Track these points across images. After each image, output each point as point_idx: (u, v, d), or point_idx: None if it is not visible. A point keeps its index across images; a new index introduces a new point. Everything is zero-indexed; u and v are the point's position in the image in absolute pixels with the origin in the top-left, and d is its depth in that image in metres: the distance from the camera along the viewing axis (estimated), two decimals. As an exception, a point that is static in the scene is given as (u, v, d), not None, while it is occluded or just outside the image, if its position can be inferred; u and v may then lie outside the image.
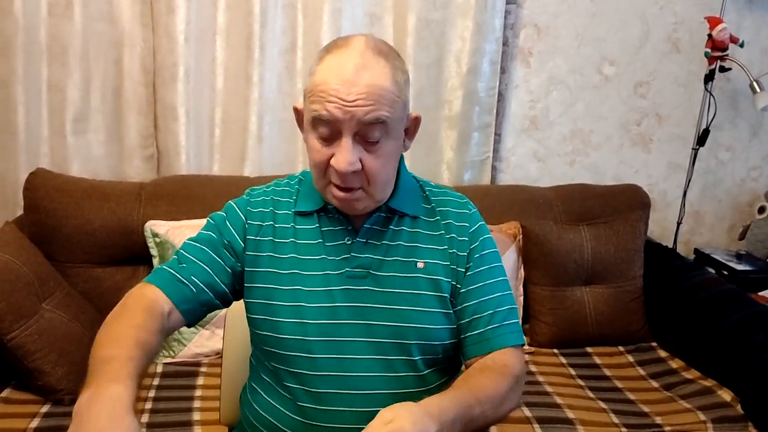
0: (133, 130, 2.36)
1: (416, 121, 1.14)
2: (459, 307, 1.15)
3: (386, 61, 1.04)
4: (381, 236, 1.15)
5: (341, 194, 1.07)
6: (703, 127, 2.56)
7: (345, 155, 1.02)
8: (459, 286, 1.15)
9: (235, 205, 1.20)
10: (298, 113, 1.14)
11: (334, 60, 1.03)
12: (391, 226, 1.16)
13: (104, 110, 2.34)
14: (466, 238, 1.17)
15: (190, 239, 1.19)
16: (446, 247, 1.16)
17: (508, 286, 1.19)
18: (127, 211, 2.11)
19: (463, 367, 1.18)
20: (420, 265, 1.14)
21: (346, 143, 1.03)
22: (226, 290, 1.16)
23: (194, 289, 1.12)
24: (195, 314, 1.15)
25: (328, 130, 1.03)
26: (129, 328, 1.00)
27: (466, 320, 1.15)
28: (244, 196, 1.21)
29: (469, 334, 1.14)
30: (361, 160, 1.04)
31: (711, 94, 2.53)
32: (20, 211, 2.15)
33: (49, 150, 2.30)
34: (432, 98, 2.50)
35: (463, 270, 1.16)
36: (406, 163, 2.61)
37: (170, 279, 1.12)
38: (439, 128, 2.54)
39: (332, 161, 1.04)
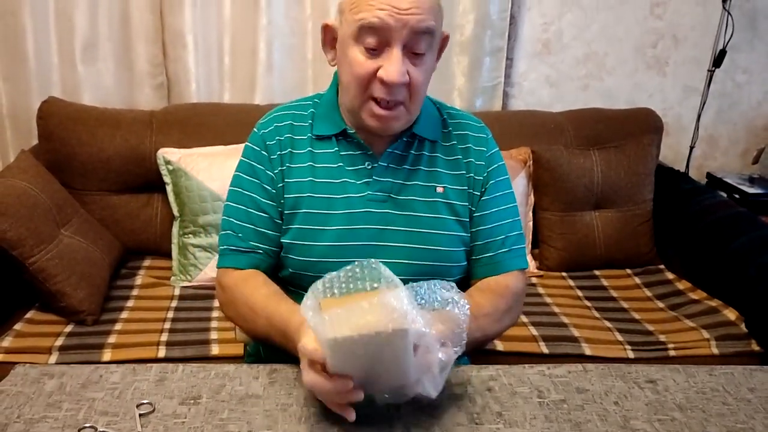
0: (142, 57, 2.36)
1: (445, 40, 1.13)
2: (473, 230, 1.18)
3: None
4: (402, 161, 1.16)
5: (383, 112, 1.07)
6: (720, 48, 2.51)
7: (396, 65, 1.02)
8: (474, 209, 1.18)
9: (253, 146, 1.18)
10: (328, 31, 1.12)
11: None
12: (412, 151, 1.17)
13: (113, 38, 2.34)
14: (483, 163, 1.19)
15: (231, 201, 1.18)
16: (464, 171, 1.18)
17: (517, 213, 1.22)
18: (139, 139, 2.13)
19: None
20: (439, 189, 1.16)
21: (397, 54, 1.02)
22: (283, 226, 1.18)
23: (259, 251, 1.15)
24: (273, 264, 1.18)
25: (376, 39, 1.02)
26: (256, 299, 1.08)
27: (480, 243, 1.18)
28: (256, 132, 1.19)
29: (480, 256, 1.19)
30: (407, 73, 1.04)
31: (729, 13, 2.46)
32: (35, 140, 2.18)
33: (59, 79, 2.32)
34: (443, 23, 2.45)
35: (479, 194, 1.18)
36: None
37: (236, 255, 1.15)
38: (450, 54, 2.50)
39: (381, 73, 1.03)
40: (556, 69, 2.62)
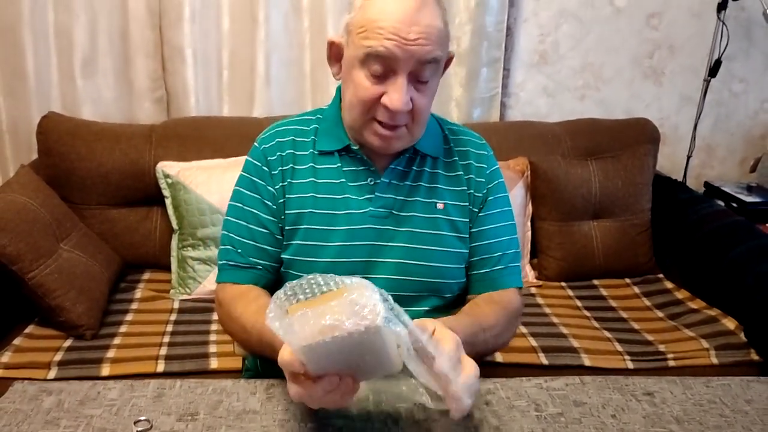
0: (142, 72, 2.37)
1: (449, 60, 1.14)
2: (471, 246, 1.19)
3: (437, 4, 1.04)
4: (404, 177, 1.16)
5: (386, 132, 1.07)
6: (716, 57, 2.52)
7: (400, 94, 1.02)
8: (471, 225, 1.18)
9: (254, 161, 1.18)
10: (334, 47, 1.12)
11: None
12: (414, 167, 1.17)
13: (112, 53, 2.35)
14: (483, 179, 1.19)
15: (230, 216, 1.18)
16: (465, 188, 1.19)
17: (515, 230, 1.23)
18: (138, 153, 2.14)
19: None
20: (440, 206, 1.17)
21: (402, 83, 1.02)
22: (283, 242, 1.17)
23: (259, 267, 1.16)
24: (272, 279, 1.18)
25: (382, 67, 1.03)
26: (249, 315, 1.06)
27: (476, 259, 1.19)
28: (257, 146, 1.19)
29: (476, 272, 1.19)
30: (411, 99, 1.05)
31: (724, 23, 2.48)
32: (35, 155, 2.19)
33: (59, 94, 2.33)
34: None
35: (477, 210, 1.18)
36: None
37: (234, 270, 1.15)
38: (447, 65, 2.51)
39: (385, 100, 1.04)
40: (553, 79, 2.63)
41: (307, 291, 0.81)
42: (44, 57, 2.28)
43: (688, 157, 2.67)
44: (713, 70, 2.53)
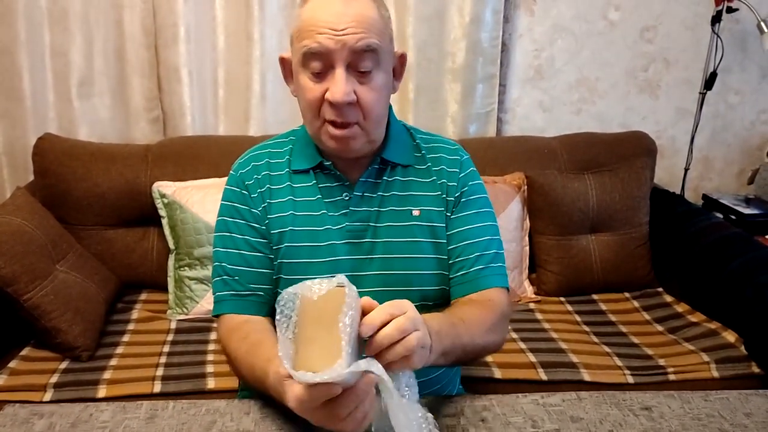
0: (138, 92, 2.38)
1: (402, 59, 1.15)
2: (448, 249, 1.18)
3: None
4: (375, 188, 1.17)
5: (337, 132, 1.08)
6: (711, 70, 2.53)
7: (340, 86, 1.03)
8: (446, 228, 1.18)
9: (233, 188, 1.19)
10: (285, 63, 1.14)
11: None
12: (385, 177, 1.18)
13: (108, 73, 2.36)
14: (455, 183, 1.20)
15: (220, 247, 1.17)
16: (440, 192, 1.19)
17: (496, 231, 1.21)
18: (134, 173, 2.14)
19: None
20: (415, 213, 1.17)
21: (340, 74, 1.03)
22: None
23: (260, 292, 1.16)
24: (272, 305, 1.16)
25: (321, 63, 1.04)
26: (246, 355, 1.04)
27: (453, 260, 1.18)
28: (234, 173, 1.20)
29: (455, 275, 1.18)
30: (355, 93, 1.05)
31: (718, 36, 2.49)
32: (31, 177, 2.19)
33: (56, 115, 2.34)
34: (435, 51, 2.48)
35: (450, 213, 1.18)
36: (410, 117, 2.61)
37: (236, 300, 1.15)
38: (443, 81, 2.52)
39: (327, 95, 1.04)
40: (548, 94, 2.64)
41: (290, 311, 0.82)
42: (40, 78, 2.29)
43: (686, 170, 2.67)
44: (709, 82, 2.54)
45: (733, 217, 2.50)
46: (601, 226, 2.25)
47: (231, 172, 1.21)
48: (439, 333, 0.92)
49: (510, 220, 2.20)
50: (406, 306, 0.86)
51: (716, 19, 2.46)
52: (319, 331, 0.78)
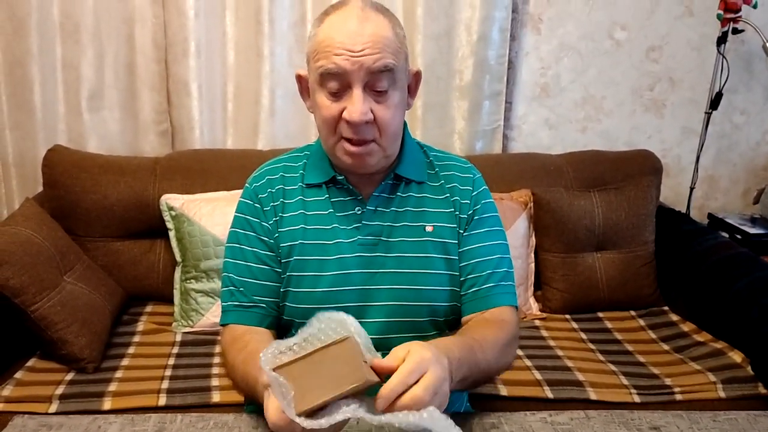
0: (147, 105, 2.40)
1: (417, 76, 1.17)
2: (459, 266, 1.19)
3: (384, 16, 1.08)
4: (389, 203, 1.18)
5: (354, 149, 1.09)
6: (717, 90, 2.54)
7: (357, 105, 1.05)
8: (459, 246, 1.19)
9: (246, 200, 1.21)
10: (302, 80, 1.16)
11: (336, 18, 1.06)
12: (399, 193, 1.19)
13: (118, 87, 2.38)
14: (468, 201, 1.21)
15: (230, 258, 1.20)
16: (452, 209, 1.20)
17: (507, 250, 1.23)
18: (143, 186, 2.15)
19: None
20: (429, 228, 1.18)
21: (357, 94, 1.05)
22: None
23: (263, 305, 1.17)
24: (277, 316, 1.19)
25: (338, 83, 1.05)
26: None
27: (465, 278, 1.18)
28: (248, 187, 1.22)
29: (466, 292, 1.19)
30: (372, 111, 1.06)
31: (724, 57, 2.50)
32: (40, 188, 2.20)
33: (66, 127, 2.36)
34: (443, 68, 2.50)
35: (462, 231, 1.19)
36: (418, 133, 2.63)
37: (239, 311, 1.17)
38: (450, 98, 2.54)
39: (345, 114, 1.06)
40: (554, 112, 2.65)
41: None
42: (51, 91, 2.31)
43: (691, 189, 2.68)
44: (714, 102, 2.55)
45: (739, 236, 2.50)
46: (606, 243, 2.25)
47: (246, 185, 1.22)
48: (460, 360, 0.93)
49: (516, 237, 2.21)
50: (425, 364, 0.84)
51: (722, 40, 2.48)
52: (327, 375, 0.80)
